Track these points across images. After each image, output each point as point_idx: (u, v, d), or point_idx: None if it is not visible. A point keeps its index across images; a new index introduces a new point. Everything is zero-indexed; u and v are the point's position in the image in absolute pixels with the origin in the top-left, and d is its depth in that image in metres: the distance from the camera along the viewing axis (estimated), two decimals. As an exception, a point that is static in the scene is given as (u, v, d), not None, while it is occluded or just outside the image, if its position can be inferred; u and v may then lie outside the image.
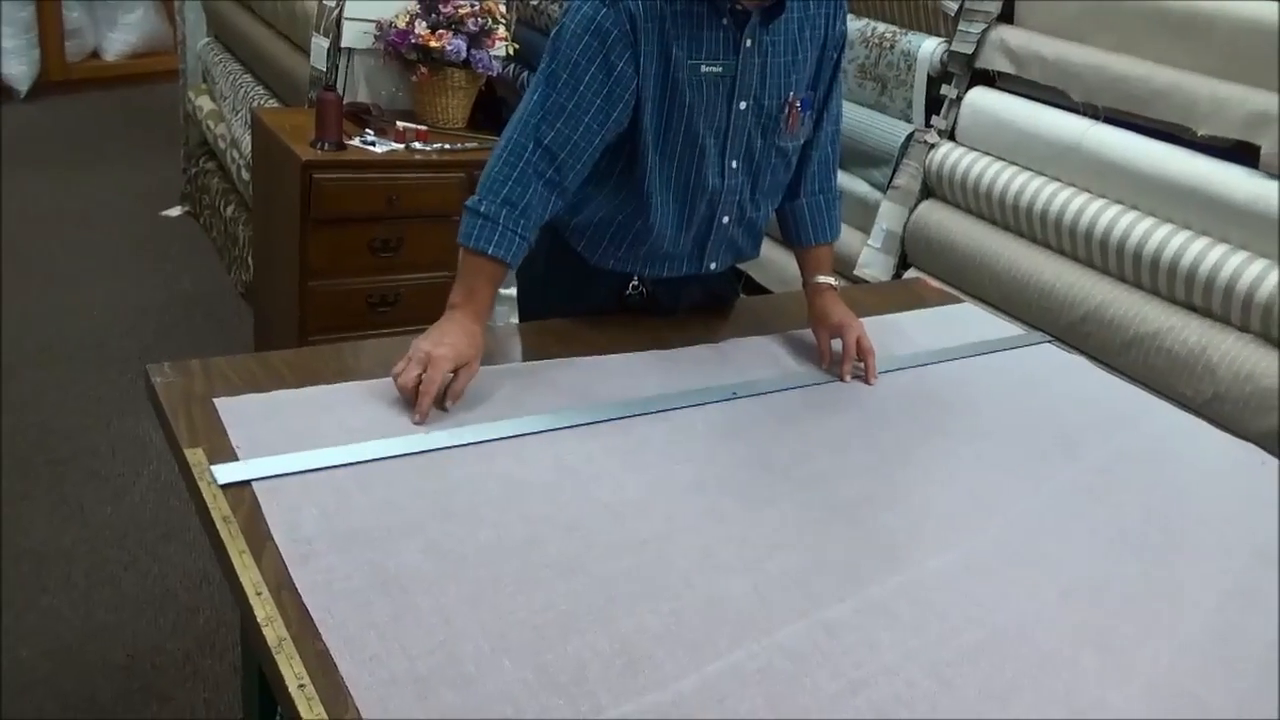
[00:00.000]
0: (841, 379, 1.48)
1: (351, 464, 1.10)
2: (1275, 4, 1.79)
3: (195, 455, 1.08)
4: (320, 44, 2.73)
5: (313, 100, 2.62)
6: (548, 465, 1.17)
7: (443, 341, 1.24)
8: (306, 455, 1.10)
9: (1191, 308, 1.91)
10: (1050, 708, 0.91)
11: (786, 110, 1.43)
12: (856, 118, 2.52)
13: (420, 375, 1.21)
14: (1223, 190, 1.84)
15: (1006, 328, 1.86)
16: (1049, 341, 1.82)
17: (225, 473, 1.05)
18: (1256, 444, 1.57)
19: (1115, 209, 2.02)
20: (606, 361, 1.42)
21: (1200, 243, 1.87)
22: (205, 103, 3.83)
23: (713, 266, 1.56)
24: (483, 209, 1.31)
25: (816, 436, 1.32)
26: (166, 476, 2.42)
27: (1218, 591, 1.12)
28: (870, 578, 1.05)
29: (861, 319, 1.54)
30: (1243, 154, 1.82)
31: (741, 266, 1.79)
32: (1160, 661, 0.99)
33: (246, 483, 1.04)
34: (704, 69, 1.34)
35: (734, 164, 1.44)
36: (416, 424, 1.19)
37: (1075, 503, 1.26)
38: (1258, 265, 1.79)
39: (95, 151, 4.59)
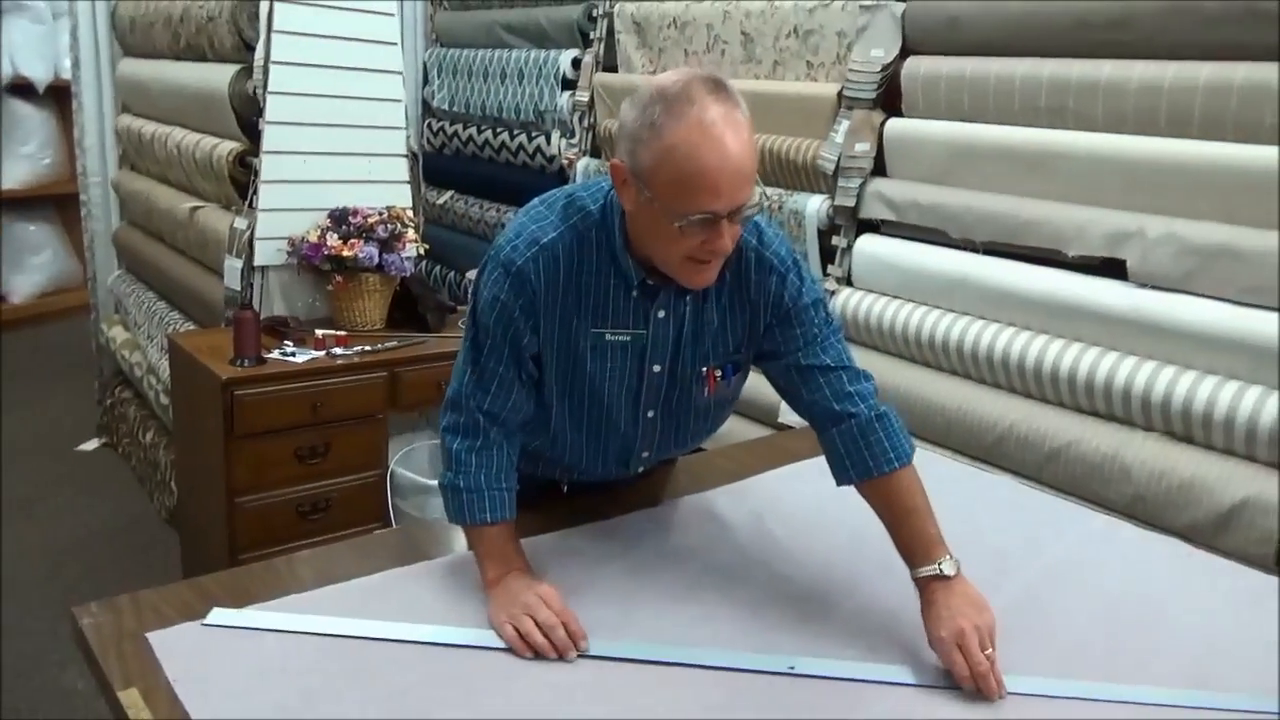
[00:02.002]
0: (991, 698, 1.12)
1: (299, 681, 1.07)
2: (1115, 136, 1.99)
3: (129, 696, 1.03)
4: (234, 265, 2.79)
5: (229, 319, 2.65)
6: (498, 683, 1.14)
7: (523, 593, 1.20)
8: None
9: (1098, 415, 2.01)
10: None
11: (704, 376, 1.36)
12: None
13: (537, 621, 1.17)
14: (1101, 303, 1.98)
15: (929, 459, 1.92)
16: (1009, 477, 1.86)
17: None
18: (1179, 537, 1.63)
19: (1009, 331, 2.14)
20: (541, 541, 1.42)
21: (1092, 353, 1.99)
22: (119, 333, 3.83)
23: (640, 470, 1.53)
24: (463, 484, 1.30)
25: (749, 582, 1.34)
26: (95, 726, 2.28)
27: (1171, 689, 1.14)
28: (835, 724, 1.05)
29: (791, 464, 1.52)
30: (1111, 268, 1.98)
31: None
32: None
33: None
34: (609, 337, 1.31)
35: (650, 414, 1.39)
36: (570, 660, 1.15)
37: (1016, 623, 1.25)
38: (1148, 367, 1.90)
39: (4, 394, 4.51)
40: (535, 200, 1.33)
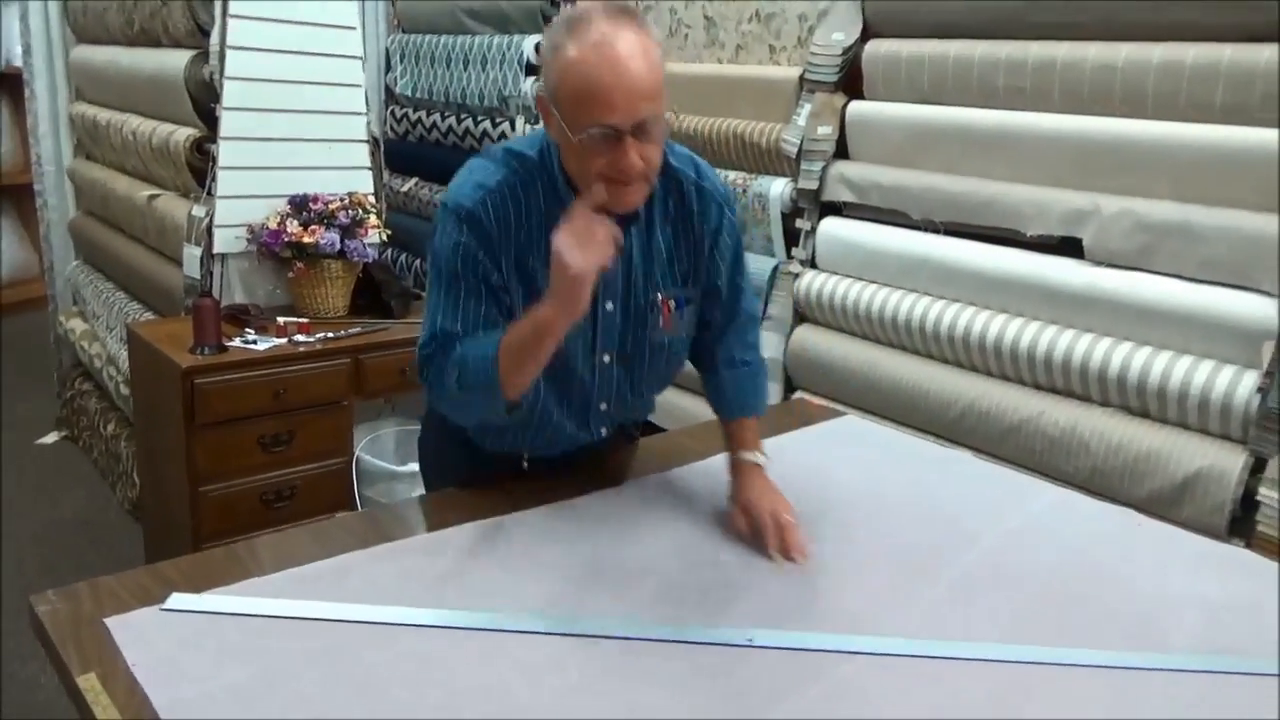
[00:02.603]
0: (772, 557, 1.32)
1: (258, 662, 1.07)
2: (1070, 116, 2.01)
3: (88, 681, 1.02)
4: (193, 253, 2.75)
5: (189, 308, 2.62)
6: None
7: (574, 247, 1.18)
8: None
9: (1056, 390, 2.04)
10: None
11: (658, 305, 1.40)
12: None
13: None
14: (1059, 281, 2.00)
15: (892, 436, 1.94)
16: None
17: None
18: (1136, 508, 1.66)
19: (970, 310, 2.17)
20: (502, 520, 1.43)
21: (1050, 330, 2.02)
22: (77, 324, 3.77)
23: (603, 432, 1.54)
24: (461, 352, 1.30)
25: (712, 557, 1.34)
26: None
27: (1118, 651, 1.16)
28: (787, 691, 1.06)
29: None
30: (1068, 247, 2.00)
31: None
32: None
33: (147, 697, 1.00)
34: None
35: (605, 358, 1.42)
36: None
37: (974, 589, 1.29)
38: (1105, 343, 1.93)
39: (-39, 389, 4.42)
40: (472, 158, 1.37)
